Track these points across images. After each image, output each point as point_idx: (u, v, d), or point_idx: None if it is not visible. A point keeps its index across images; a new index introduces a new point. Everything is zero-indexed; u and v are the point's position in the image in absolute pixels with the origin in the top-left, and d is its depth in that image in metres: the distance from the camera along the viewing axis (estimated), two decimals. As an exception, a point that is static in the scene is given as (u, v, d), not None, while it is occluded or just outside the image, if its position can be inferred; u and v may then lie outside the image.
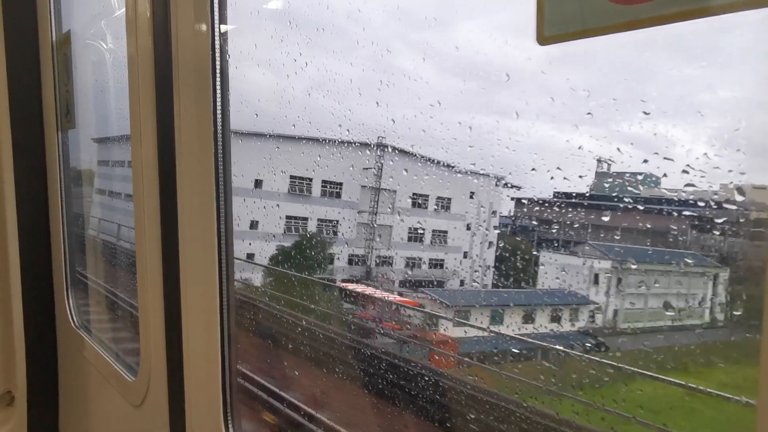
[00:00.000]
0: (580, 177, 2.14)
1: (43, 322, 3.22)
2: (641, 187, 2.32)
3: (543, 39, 0.89)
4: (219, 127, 1.90)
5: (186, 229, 1.99)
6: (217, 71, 1.89)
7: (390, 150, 6.29)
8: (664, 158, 1.65)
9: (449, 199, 7.46)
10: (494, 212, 6.38)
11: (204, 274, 1.96)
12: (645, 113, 1.55)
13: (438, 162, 4.52)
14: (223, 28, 1.89)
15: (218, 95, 1.90)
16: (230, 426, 2.01)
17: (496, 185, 5.30)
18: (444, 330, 6.13)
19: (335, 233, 8.75)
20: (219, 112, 1.90)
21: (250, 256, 8.67)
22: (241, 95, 2.00)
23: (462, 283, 7.76)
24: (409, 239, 8.13)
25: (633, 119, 1.62)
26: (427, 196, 7.49)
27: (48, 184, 3.15)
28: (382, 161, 6.78)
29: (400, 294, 7.63)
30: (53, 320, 3.25)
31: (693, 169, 1.57)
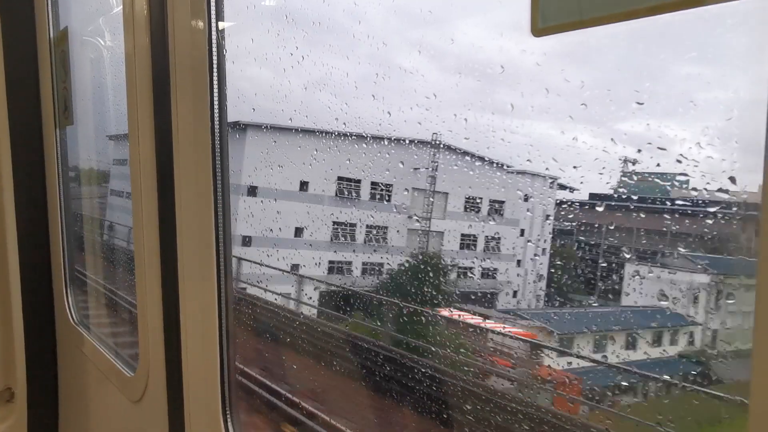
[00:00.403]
0: (575, 167, 2.15)
1: (43, 318, 3.22)
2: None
3: (537, 30, 0.89)
4: (216, 124, 1.91)
5: (184, 225, 2.00)
6: (215, 68, 1.89)
7: (443, 148, 5.87)
8: (658, 148, 1.67)
9: (503, 202, 6.74)
10: (548, 216, 5.89)
11: (202, 270, 1.97)
12: (638, 104, 1.57)
13: (490, 161, 4.14)
14: (221, 25, 1.90)
15: (215, 92, 1.90)
16: (229, 421, 2.02)
17: (551, 186, 4.87)
18: (553, 363, 5.28)
19: (384, 240, 8.03)
20: (216, 108, 1.91)
21: (295, 267, 8.19)
22: (238, 90, 2.01)
23: (514, 293, 7.08)
24: (461, 246, 7.44)
25: (627, 110, 1.63)
26: (480, 199, 6.95)
27: (46, 180, 3.15)
28: (437, 161, 6.45)
29: (473, 313, 6.68)
30: (52, 317, 3.26)
31: (686, 158, 1.58)
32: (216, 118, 1.91)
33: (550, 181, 4.72)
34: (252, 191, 7.91)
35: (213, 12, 1.86)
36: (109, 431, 2.91)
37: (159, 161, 2.06)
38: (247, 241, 8.21)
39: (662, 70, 1.55)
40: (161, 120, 2.01)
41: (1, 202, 3.06)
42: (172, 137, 1.96)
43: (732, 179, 1.43)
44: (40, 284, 3.21)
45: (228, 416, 2.01)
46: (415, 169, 6.71)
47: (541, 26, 0.88)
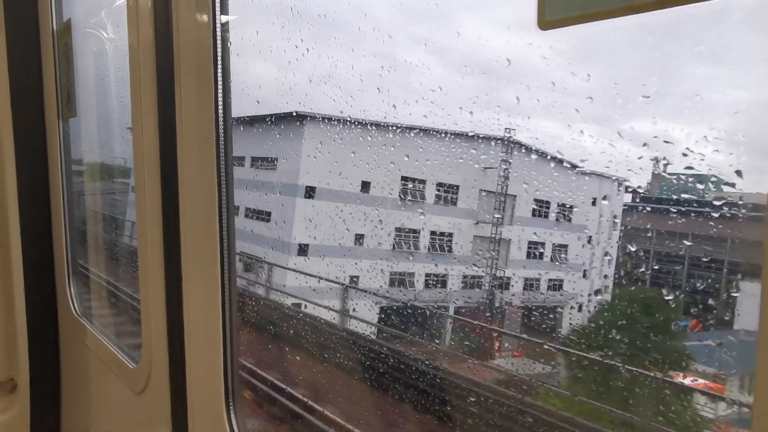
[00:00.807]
0: (582, 161, 2.15)
1: (45, 310, 3.23)
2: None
3: (544, 24, 0.89)
4: (221, 117, 1.91)
5: (188, 218, 2.00)
6: (219, 61, 1.89)
7: (515, 146, 5.14)
8: (664, 141, 1.67)
9: (571, 207, 5.86)
10: (615, 220, 5.12)
11: (206, 264, 1.97)
12: (644, 97, 1.56)
13: (561, 161, 3.50)
14: (224, 18, 1.89)
15: (220, 85, 1.90)
16: (232, 413, 2.02)
17: (619, 190, 4.33)
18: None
19: (449, 249, 6.94)
20: (221, 101, 1.90)
21: (354, 279, 7.21)
22: (243, 82, 2.00)
23: (581, 306, 6.06)
24: (528, 256, 6.50)
25: (633, 103, 1.63)
26: (548, 203, 6.07)
27: (49, 172, 3.16)
28: (510, 160, 5.67)
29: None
30: (55, 308, 3.27)
31: (692, 152, 1.58)
32: (220, 112, 1.91)
33: (617, 183, 4.28)
34: (309, 193, 7.18)
35: (217, 4, 1.86)
36: (111, 422, 2.92)
37: (163, 154, 2.06)
38: (304, 250, 7.46)
39: (668, 64, 1.55)
40: (165, 113, 2.01)
41: (5, 194, 3.06)
42: (176, 131, 1.96)
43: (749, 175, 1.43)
44: (43, 276, 3.22)
45: (231, 407, 2.02)
46: (486, 168, 5.96)
47: (547, 19, 0.88)
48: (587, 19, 0.84)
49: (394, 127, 4.11)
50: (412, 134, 4.14)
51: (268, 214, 7.83)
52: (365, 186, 6.69)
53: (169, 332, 2.14)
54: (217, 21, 1.86)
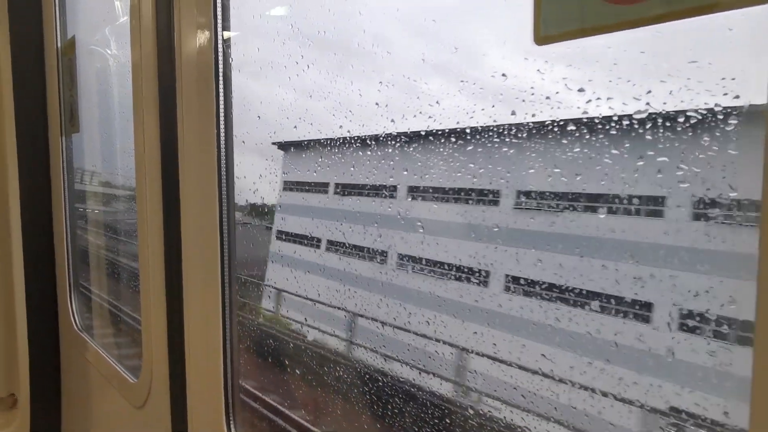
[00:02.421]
0: (577, 175, 2.16)
1: (46, 324, 3.24)
2: None
3: (540, 39, 0.89)
4: (222, 135, 1.93)
5: (189, 234, 2.01)
6: (221, 77, 1.91)
7: None
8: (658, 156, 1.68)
9: None
10: None
11: (206, 279, 1.98)
12: (640, 111, 1.58)
13: None
14: (226, 34, 1.92)
15: (221, 102, 1.92)
16: (232, 428, 2.02)
17: None
18: None
19: None
20: (222, 118, 1.92)
21: None
22: (244, 98, 2.02)
23: None
24: None
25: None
26: None
27: (52, 187, 3.18)
28: None
29: None
30: (56, 323, 3.27)
31: (683, 168, 1.59)
32: (222, 129, 1.92)
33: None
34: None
35: (219, 22, 1.88)
36: None
37: (164, 170, 2.08)
38: None
39: (664, 75, 1.56)
40: (167, 130, 2.03)
41: (7, 209, 3.09)
42: (177, 147, 1.98)
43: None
44: (44, 290, 3.23)
45: (231, 423, 2.02)
46: None
47: (543, 34, 0.88)
48: (584, 35, 0.85)
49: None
50: None
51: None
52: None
53: (170, 347, 2.15)
54: (219, 38, 1.89)
